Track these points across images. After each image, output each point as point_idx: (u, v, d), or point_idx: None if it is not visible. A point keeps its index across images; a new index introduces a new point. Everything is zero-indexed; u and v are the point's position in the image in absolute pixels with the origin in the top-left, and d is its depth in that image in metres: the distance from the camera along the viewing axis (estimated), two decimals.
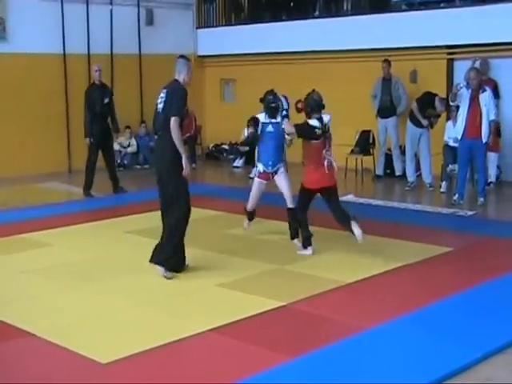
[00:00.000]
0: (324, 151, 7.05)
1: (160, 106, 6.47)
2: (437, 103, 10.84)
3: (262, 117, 7.65)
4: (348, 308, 5.71)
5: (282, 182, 7.63)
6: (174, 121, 6.30)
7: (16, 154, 12.64)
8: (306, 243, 7.31)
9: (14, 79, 12.58)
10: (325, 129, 7.02)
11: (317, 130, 6.97)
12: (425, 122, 10.85)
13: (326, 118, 7.09)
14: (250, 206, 7.87)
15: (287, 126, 7.30)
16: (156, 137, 6.76)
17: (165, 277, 6.44)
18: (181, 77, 6.57)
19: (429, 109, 10.90)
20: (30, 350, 4.95)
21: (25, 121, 12.79)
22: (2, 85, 12.35)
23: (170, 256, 6.51)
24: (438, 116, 11.06)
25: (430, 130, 10.96)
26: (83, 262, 7.11)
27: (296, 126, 7.16)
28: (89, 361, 4.66)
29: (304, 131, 7.09)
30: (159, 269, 6.49)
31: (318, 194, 7.26)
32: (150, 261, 6.54)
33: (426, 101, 10.96)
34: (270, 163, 7.61)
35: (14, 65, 12.53)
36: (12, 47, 12.53)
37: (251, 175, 12.49)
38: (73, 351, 4.80)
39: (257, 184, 7.75)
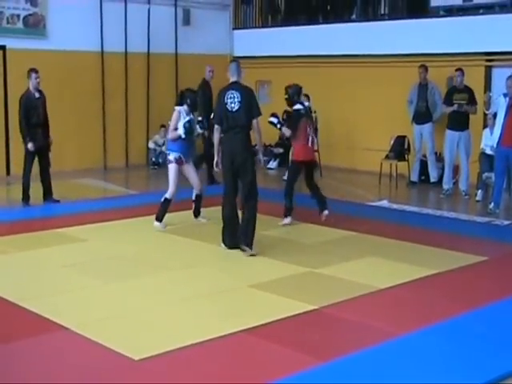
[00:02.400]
0: (308, 129, 8.58)
1: (234, 105, 7.23)
2: (454, 79, 11.03)
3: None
4: (380, 314, 5.66)
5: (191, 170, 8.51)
6: (259, 121, 7.37)
7: (54, 151, 12.74)
8: (288, 213, 8.58)
9: (53, 76, 12.72)
10: (308, 109, 8.75)
11: (301, 110, 8.53)
12: (454, 107, 10.77)
13: (306, 103, 8.86)
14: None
15: (287, 132, 8.68)
16: (226, 132, 7.32)
17: (252, 255, 7.18)
18: (240, 79, 7.40)
19: (453, 95, 10.90)
20: (64, 344, 5.00)
21: (63, 117, 12.93)
22: (42, 81, 12.48)
23: (253, 238, 7.30)
24: (472, 103, 10.81)
25: (463, 109, 10.82)
26: (116, 258, 7.18)
27: (288, 125, 8.67)
28: (121, 357, 4.69)
29: (293, 121, 8.62)
30: (247, 249, 7.22)
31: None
32: (240, 243, 7.25)
33: (449, 90, 11.12)
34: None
35: (54, 62, 12.67)
36: (52, 44, 12.69)
37: (285, 178, 12.47)
38: (106, 346, 4.84)
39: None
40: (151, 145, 13.77)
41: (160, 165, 13.76)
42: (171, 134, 8.30)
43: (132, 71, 13.87)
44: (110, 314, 5.55)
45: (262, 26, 15.43)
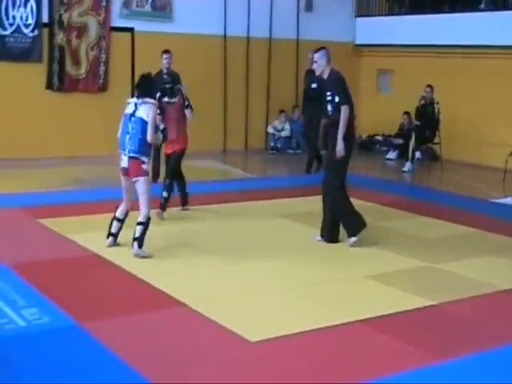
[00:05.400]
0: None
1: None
2: None
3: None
4: (502, 315, 5.45)
5: None
6: None
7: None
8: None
9: (177, 58, 12.97)
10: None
11: None
12: None
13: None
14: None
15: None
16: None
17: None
18: None
19: None
20: (183, 321, 5.12)
21: None
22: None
23: None
24: None
25: None
26: (234, 240, 7.29)
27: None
28: (238, 337, 4.75)
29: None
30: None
31: None
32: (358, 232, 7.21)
33: None
34: None
35: (178, 44, 12.85)
36: (177, 27, 13.00)
37: (405, 169, 12.23)
38: (223, 326, 4.92)
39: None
40: (270, 130, 13.92)
41: (278, 150, 13.88)
42: (154, 137, 6.60)
43: (253, 56, 13.99)
44: (228, 294, 5.64)
45: (386, 14, 15.15)
